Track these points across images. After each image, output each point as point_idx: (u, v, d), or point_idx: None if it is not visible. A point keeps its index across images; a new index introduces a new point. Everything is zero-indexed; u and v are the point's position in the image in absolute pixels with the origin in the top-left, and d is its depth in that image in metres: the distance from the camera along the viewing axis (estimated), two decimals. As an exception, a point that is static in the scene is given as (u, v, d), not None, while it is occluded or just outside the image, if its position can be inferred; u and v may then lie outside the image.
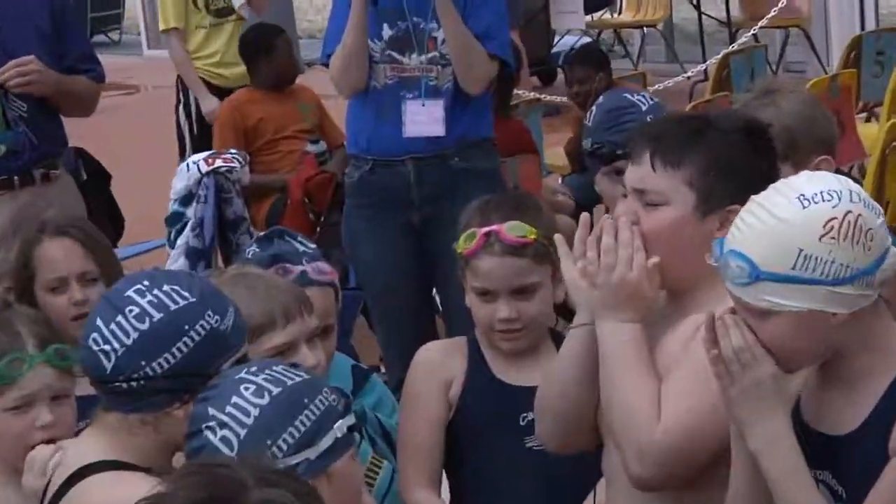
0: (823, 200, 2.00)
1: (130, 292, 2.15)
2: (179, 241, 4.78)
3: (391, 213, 4.19)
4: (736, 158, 2.28)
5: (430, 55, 4.20)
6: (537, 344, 2.71)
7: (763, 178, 2.23)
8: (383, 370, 4.63)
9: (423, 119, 4.19)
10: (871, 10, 9.60)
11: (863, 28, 8.72)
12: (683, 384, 2.22)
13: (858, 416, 2.07)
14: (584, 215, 2.38)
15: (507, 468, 2.63)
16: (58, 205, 3.82)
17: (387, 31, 4.20)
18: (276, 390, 1.93)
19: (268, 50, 5.94)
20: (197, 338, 2.13)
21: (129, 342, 2.11)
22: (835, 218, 1.98)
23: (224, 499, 1.46)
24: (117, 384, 2.13)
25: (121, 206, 4.98)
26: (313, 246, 2.97)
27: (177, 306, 2.13)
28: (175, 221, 4.83)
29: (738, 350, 2.04)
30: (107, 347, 2.11)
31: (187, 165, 4.90)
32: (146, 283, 2.16)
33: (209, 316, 2.13)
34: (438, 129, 4.18)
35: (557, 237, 2.39)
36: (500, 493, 2.67)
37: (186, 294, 2.14)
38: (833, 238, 1.99)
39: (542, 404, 2.44)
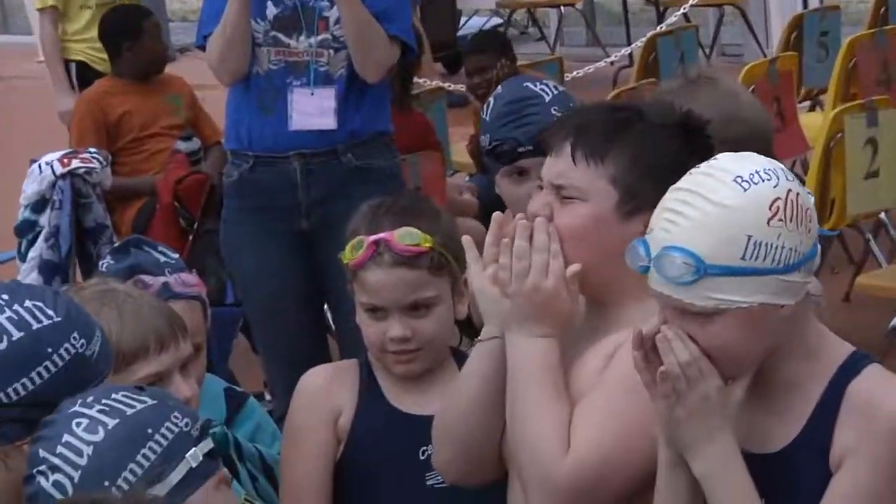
0: (763, 180, 2.02)
1: None
2: (31, 253, 4.75)
3: (276, 217, 4.20)
4: (668, 156, 2.27)
5: (320, 37, 4.22)
6: (437, 367, 2.68)
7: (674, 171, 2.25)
8: (268, 398, 4.62)
9: (312, 110, 4.20)
10: None
11: (805, 6, 8.85)
12: (601, 406, 2.21)
13: (790, 432, 2.10)
14: (497, 214, 2.37)
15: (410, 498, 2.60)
16: None
17: (272, 10, 4.21)
18: (112, 423, 1.91)
19: (133, 34, 5.87)
20: (60, 363, 2.08)
21: None
22: (779, 198, 2.01)
23: None
24: None
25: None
26: (176, 256, 2.96)
27: (39, 325, 2.08)
28: (26, 231, 4.80)
29: (684, 365, 2.04)
30: None
31: (39, 167, 4.85)
32: (5, 297, 2.11)
33: (75, 339, 2.08)
34: (329, 122, 4.21)
35: (465, 239, 2.37)
36: None
37: (51, 312, 2.08)
38: (781, 220, 2.01)
39: (441, 428, 2.41)
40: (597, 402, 2.22)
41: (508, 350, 2.29)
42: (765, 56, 7.46)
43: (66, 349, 2.06)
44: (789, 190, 2.02)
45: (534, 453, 2.23)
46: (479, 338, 2.36)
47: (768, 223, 2.00)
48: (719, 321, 2.03)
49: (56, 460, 1.90)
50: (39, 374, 2.05)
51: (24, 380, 2.04)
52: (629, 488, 2.18)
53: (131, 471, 1.90)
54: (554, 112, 3.10)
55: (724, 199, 2.01)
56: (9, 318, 2.06)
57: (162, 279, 2.83)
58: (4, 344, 2.03)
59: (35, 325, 2.06)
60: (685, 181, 2.07)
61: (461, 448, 2.39)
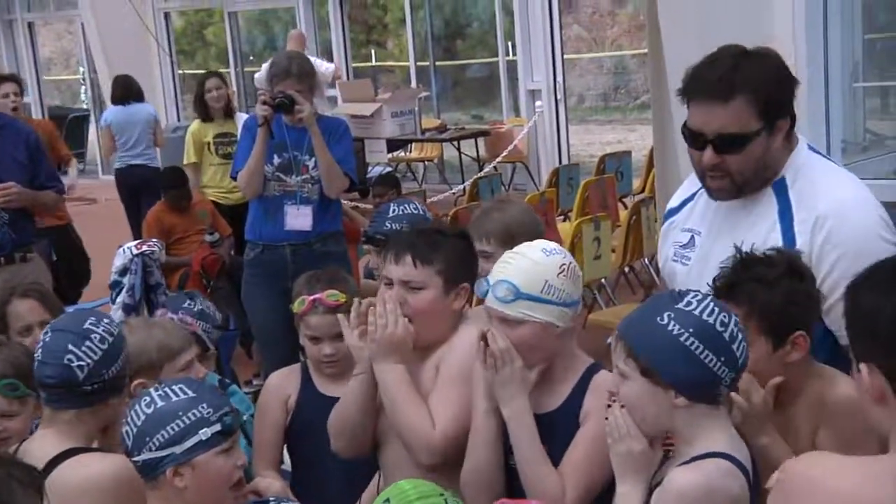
0: (557, 253, 2.01)
1: (87, 325, 2.10)
2: (118, 300, 4.71)
3: (273, 280, 4.07)
4: (463, 255, 2.24)
5: (303, 177, 4.13)
6: (348, 367, 2.47)
7: (473, 265, 2.25)
8: (255, 382, 4.69)
9: (298, 219, 4.15)
10: (564, 152, 9.37)
11: (560, 163, 8.82)
12: (447, 396, 2.14)
13: (557, 402, 2.05)
14: (355, 305, 2.26)
15: (325, 452, 2.40)
16: (31, 277, 3.78)
17: (276, 160, 4.12)
18: (160, 404, 1.87)
19: (178, 187, 5.82)
20: (124, 354, 2.13)
21: (96, 357, 2.06)
22: (564, 264, 1.99)
23: None
24: (85, 387, 2.06)
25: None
26: (197, 308, 2.93)
27: (116, 333, 2.13)
28: (115, 286, 4.76)
29: (501, 350, 1.97)
30: (81, 363, 2.05)
31: (123, 250, 4.84)
32: (92, 318, 2.13)
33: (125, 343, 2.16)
34: (307, 226, 4.14)
35: (341, 317, 2.28)
36: (321, 471, 2.55)
37: (114, 330, 2.13)
38: (565, 276, 1.98)
39: (334, 426, 2.31)
40: (444, 393, 2.15)
41: (378, 375, 2.18)
42: (538, 191, 7.38)
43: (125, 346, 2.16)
44: (571, 262, 2.02)
45: (412, 432, 2.13)
46: (354, 373, 2.26)
47: (558, 276, 1.97)
48: (524, 328, 1.97)
49: (129, 419, 1.89)
50: (122, 360, 2.13)
51: (116, 364, 2.11)
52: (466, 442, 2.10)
53: (163, 434, 1.84)
54: (402, 230, 2.72)
55: (535, 258, 1.99)
56: (103, 330, 2.11)
57: (177, 316, 2.86)
58: (106, 345, 2.09)
59: (115, 331, 2.14)
60: (516, 249, 2.05)
61: (348, 439, 2.30)
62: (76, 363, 2.05)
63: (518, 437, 1.97)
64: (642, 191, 6.97)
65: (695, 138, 2.05)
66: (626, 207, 6.63)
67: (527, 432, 1.97)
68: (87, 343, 2.07)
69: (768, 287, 1.79)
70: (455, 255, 2.19)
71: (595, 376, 2.05)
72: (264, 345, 4.35)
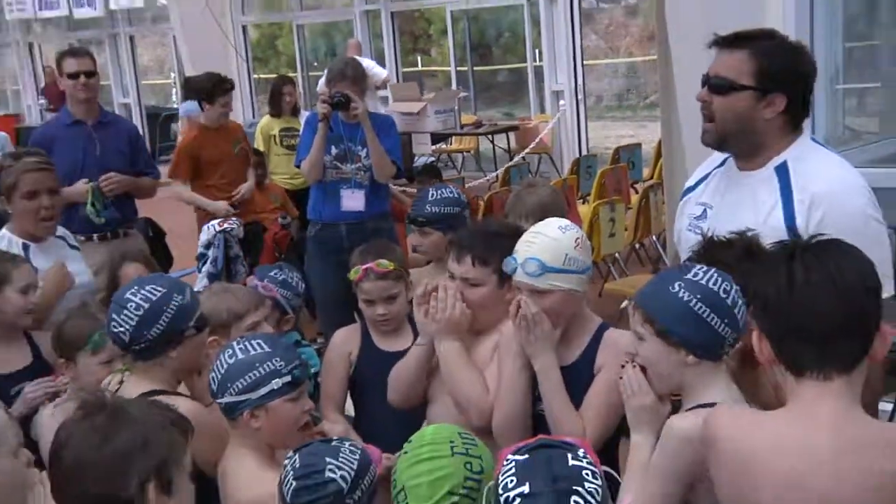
0: (571, 228, 2.00)
1: (127, 294, 2.04)
2: (203, 269, 4.62)
3: (331, 253, 4.04)
4: (506, 248, 2.09)
5: (357, 165, 4.08)
6: (401, 325, 2.53)
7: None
8: (320, 340, 4.58)
9: (352, 201, 4.11)
10: (584, 145, 9.21)
11: (580, 154, 8.68)
12: (500, 372, 2.10)
13: (575, 355, 2.05)
14: (422, 285, 2.22)
15: (382, 400, 2.38)
16: (132, 248, 3.76)
17: (333, 150, 4.08)
18: (241, 356, 1.85)
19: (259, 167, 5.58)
20: (169, 313, 2.02)
21: (133, 323, 2.00)
22: (578, 237, 1.99)
23: None
24: (135, 347, 2.02)
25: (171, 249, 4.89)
26: (282, 277, 2.85)
27: (156, 298, 2.03)
28: (201, 258, 4.65)
29: (533, 314, 1.95)
30: (121, 329, 2.01)
31: (208, 227, 4.72)
32: (133, 288, 2.05)
33: (176, 297, 2.04)
34: (360, 207, 4.11)
35: (415, 298, 2.23)
36: (378, 416, 2.49)
37: (153, 295, 2.03)
38: (580, 247, 1.98)
39: (392, 385, 2.32)
40: (498, 370, 2.11)
41: (438, 349, 2.18)
42: (561, 177, 7.36)
43: (173, 304, 2.03)
44: (582, 235, 2.01)
45: (467, 397, 2.11)
46: (416, 343, 2.28)
47: (574, 248, 1.96)
48: (551, 296, 1.96)
49: (215, 367, 1.88)
50: (164, 320, 2.02)
51: (158, 324, 2.02)
52: None
53: (241, 381, 1.82)
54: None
55: (554, 235, 1.98)
56: (141, 297, 2.02)
57: (262, 283, 2.80)
58: (141, 311, 2.00)
59: (155, 296, 2.02)
60: (534, 229, 2.03)
61: (403, 394, 2.30)
62: (117, 329, 2.03)
63: (547, 387, 1.98)
64: (651, 178, 6.87)
65: (703, 79, 2.05)
66: (636, 192, 6.54)
67: (554, 382, 1.97)
68: (125, 312, 2.02)
69: (726, 268, 1.72)
70: (503, 253, 2.13)
71: (605, 333, 2.05)
72: (323, 308, 4.33)
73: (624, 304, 1.81)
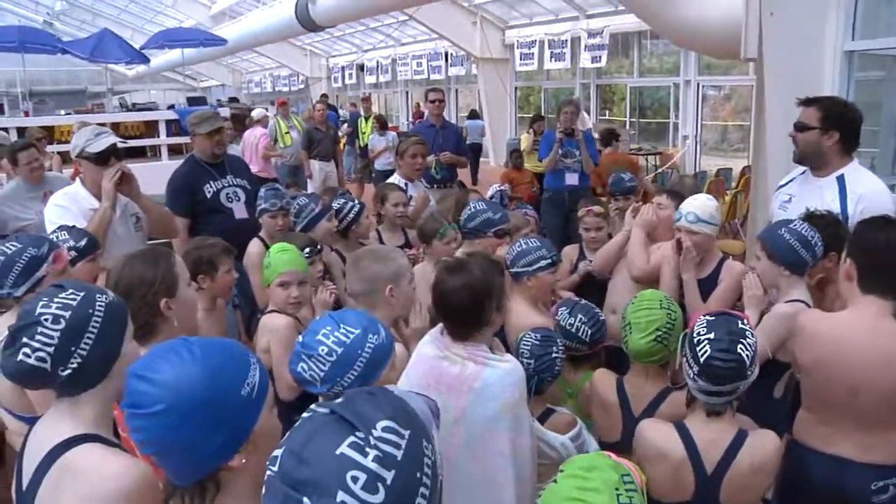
0: (713, 200, 1.99)
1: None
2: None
3: (558, 209, 4.43)
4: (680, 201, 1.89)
5: (573, 159, 4.50)
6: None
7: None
8: None
9: (573, 180, 4.50)
10: (698, 166, 8.97)
11: (695, 171, 8.46)
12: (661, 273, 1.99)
13: (709, 270, 2.11)
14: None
15: None
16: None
17: (560, 152, 4.48)
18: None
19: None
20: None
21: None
22: (716, 204, 2.08)
23: None
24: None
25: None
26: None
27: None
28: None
29: (687, 247, 2.00)
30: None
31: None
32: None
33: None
34: (575, 181, 4.56)
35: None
36: None
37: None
38: (716, 210, 2.06)
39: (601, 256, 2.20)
40: (661, 272, 2.07)
41: (635, 231, 2.21)
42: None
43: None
44: (717, 204, 2.01)
45: (640, 266, 2.15)
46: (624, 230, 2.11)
47: (715, 210, 2.06)
48: (699, 236, 2.06)
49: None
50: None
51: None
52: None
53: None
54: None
55: (705, 200, 2.07)
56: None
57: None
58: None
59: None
60: (693, 197, 2.07)
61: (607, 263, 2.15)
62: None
63: (689, 290, 2.08)
64: (735, 187, 7.07)
65: (795, 125, 2.15)
66: (727, 195, 6.78)
67: (694, 288, 2.07)
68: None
69: (818, 228, 1.74)
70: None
71: (725, 262, 2.13)
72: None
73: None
